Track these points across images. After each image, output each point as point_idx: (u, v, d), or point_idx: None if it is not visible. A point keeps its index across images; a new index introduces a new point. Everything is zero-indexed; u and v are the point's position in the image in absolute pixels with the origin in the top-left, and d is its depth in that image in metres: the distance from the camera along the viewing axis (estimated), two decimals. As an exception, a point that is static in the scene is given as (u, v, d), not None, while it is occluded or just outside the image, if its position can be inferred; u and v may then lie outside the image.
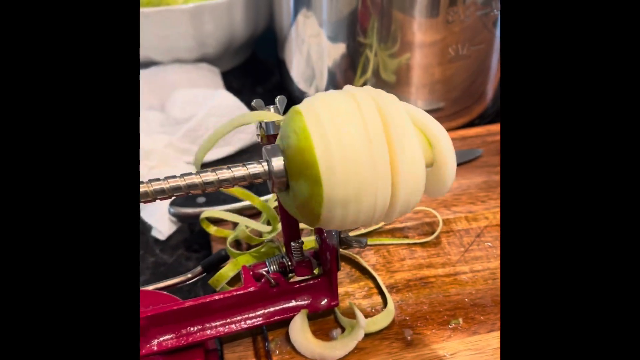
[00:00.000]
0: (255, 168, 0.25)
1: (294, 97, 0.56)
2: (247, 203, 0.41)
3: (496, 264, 0.37)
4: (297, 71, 0.54)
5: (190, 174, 0.25)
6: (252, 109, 0.29)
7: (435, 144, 0.26)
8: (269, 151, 0.25)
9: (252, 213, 0.41)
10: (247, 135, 0.51)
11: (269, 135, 0.28)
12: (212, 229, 0.39)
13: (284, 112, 0.28)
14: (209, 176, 0.25)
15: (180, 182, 0.24)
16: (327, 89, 0.52)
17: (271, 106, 0.29)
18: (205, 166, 0.49)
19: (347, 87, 0.26)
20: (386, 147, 0.23)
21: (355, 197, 0.23)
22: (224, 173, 0.25)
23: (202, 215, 0.38)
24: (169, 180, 0.24)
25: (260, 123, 0.28)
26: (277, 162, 0.24)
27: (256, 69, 0.65)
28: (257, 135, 0.29)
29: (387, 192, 0.24)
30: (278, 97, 0.29)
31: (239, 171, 0.25)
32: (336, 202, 0.23)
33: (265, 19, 0.61)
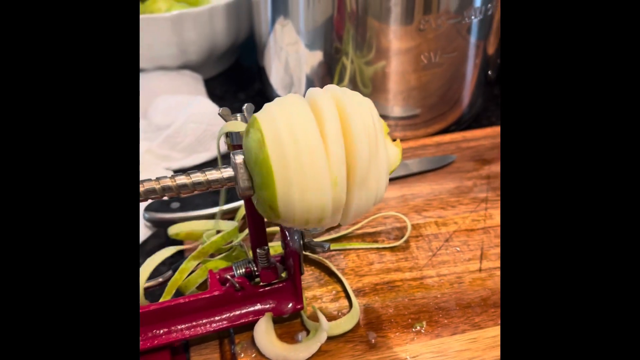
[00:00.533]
0: (227, 172, 0.26)
1: (274, 104, 0.56)
2: (219, 208, 0.42)
3: (462, 268, 0.38)
4: (276, 78, 0.55)
5: (165, 177, 0.26)
6: (221, 116, 0.30)
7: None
8: (234, 154, 0.26)
9: (226, 218, 0.42)
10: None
11: (234, 145, 0.29)
12: (182, 234, 0.39)
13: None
14: (183, 179, 0.26)
15: (155, 185, 0.25)
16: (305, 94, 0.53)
17: (238, 114, 0.30)
18: (185, 171, 0.50)
19: (311, 90, 0.26)
20: (341, 148, 0.24)
21: (303, 197, 0.24)
22: (198, 177, 0.26)
23: (170, 232, 0.40)
24: (143, 184, 0.25)
25: (229, 134, 0.29)
26: (240, 163, 0.25)
27: (239, 76, 0.66)
28: (225, 143, 0.30)
29: (340, 194, 0.24)
30: (246, 105, 0.30)
31: (212, 175, 0.26)
32: (289, 200, 0.24)
33: (247, 27, 0.62)
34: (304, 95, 0.26)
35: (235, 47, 0.64)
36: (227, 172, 0.26)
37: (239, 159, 0.25)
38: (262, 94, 0.60)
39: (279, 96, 0.55)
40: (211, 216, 0.41)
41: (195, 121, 0.50)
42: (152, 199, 0.26)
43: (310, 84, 0.52)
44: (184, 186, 0.26)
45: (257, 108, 0.29)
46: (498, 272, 0.37)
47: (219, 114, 0.29)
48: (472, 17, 0.46)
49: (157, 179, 0.25)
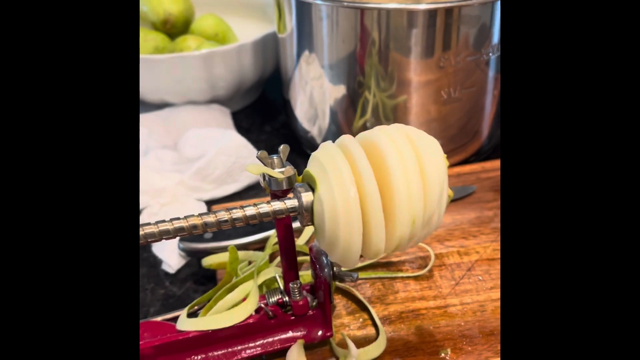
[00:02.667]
0: (291, 203, 0.29)
1: (299, 136, 0.59)
2: (251, 238, 0.44)
3: (485, 296, 0.39)
4: (301, 111, 0.58)
5: (235, 208, 0.29)
6: (258, 158, 0.32)
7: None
8: (300, 191, 0.29)
9: (257, 247, 0.44)
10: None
11: (272, 190, 0.31)
12: (215, 265, 0.41)
13: (287, 159, 0.31)
14: (252, 210, 0.29)
15: (226, 216, 0.28)
16: (329, 128, 0.55)
17: (275, 156, 0.31)
18: (215, 202, 0.52)
19: (378, 135, 0.29)
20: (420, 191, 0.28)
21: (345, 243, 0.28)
22: (264, 207, 0.29)
23: (204, 263, 0.42)
24: (216, 214, 0.28)
25: (264, 175, 0.31)
26: (308, 203, 0.29)
27: (264, 109, 0.68)
28: (261, 184, 0.32)
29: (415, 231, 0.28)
30: (282, 146, 0.32)
31: (277, 205, 0.29)
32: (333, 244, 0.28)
33: (273, 62, 0.65)
34: (354, 136, 0.30)
35: (261, 82, 0.66)
36: (291, 203, 0.29)
37: (306, 197, 0.29)
38: (287, 126, 0.63)
39: (303, 128, 0.58)
40: (243, 246, 0.43)
41: (225, 154, 0.53)
42: (223, 228, 0.29)
43: (334, 116, 0.54)
44: (251, 217, 0.29)
45: (283, 139, 0.32)
46: (520, 301, 0.39)
47: (257, 157, 0.31)
48: (490, 54, 0.48)
49: (228, 210, 0.29)
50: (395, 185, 0.27)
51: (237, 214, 0.29)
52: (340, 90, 0.53)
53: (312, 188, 0.29)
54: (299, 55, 0.54)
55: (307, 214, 0.29)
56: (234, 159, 0.53)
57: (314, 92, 0.55)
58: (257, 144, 0.60)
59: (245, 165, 0.53)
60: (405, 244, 0.29)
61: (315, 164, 0.29)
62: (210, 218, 0.28)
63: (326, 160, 0.28)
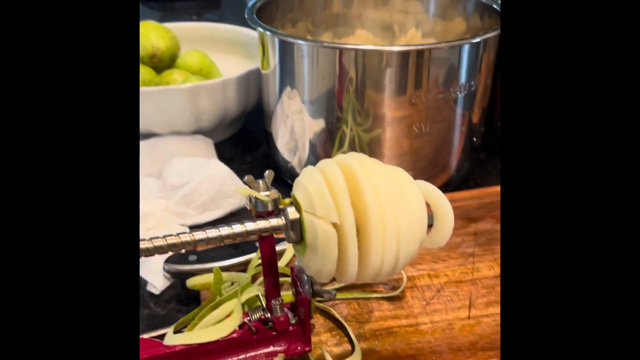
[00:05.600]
0: (275, 221, 0.32)
1: (280, 166, 0.62)
2: (234, 261, 0.46)
3: (453, 315, 0.42)
4: (282, 142, 0.61)
5: (223, 225, 0.32)
6: (244, 182, 0.34)
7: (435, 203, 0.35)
8: (286, 211, 0.32)
9: (239, 270, 0.46)
10: (236, 200, 0.57)
11: (257, 212, 0.34)
12: (199, 285, 0.43)
13: (272, 183, 0.34)
14: (239, 228, 0.32)
15: (215, 234, 0.31)
16: (308, 158, 0.58)
17: (260, 180, 0.34)
18: (199, 227, 0.54)
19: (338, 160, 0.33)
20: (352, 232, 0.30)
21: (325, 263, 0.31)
22: (251, 225, 0.32)
23: (188, 284, 0.43)
24: (206, 231, 0.31)
25: (250, 198, 0.33)
26: (294, 220, 0.32)
27: (246, 140, 0.71)
28: (247, 206, 0.34)
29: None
30: (267, 172, 0.35)
31: (261, 223, 0.32)
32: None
33: (255, 96, 0.68)
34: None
35: (243, 114, 0.70)
36: (275, 222, 0.32)
37: (292, 215, 0.31)
38: (268, 157, 0.66)
39: (284, 159, 0.61)
40: (225, 268, 0.46)
41: (209, 182, 0.55)
42: (212, 244, 0.32)
43: (313, 148, 0.58)
44: (239, 234, 0.32)
45: (264, 169, 0.35)
46: (485, 319, 0.41)
47: (243, 181, 0.34)
48: (458, 93, 0.53)
49: (217, 227, 0.31)
50: (372, 225, 0.30)
51: (225, 231, 0.32)
52: (320, 124, 0.56)
53: (298, 210, 0.32)
54: (281, 90, 0.57)
55: (294, 232, 0.32)
56: (218, 186, 0.55)
57: (294, 125, 0.58)
58: (240, 173, 0.63)
59: (228, 192, 0.56)
60: (381, 276, 0.32)
61: (302, 191, 0.32)
62: (200, 235, 0.31)
63: (313, 191, 0.31)
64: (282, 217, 0.32)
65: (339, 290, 0.44)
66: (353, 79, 0.52)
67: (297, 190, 0.32)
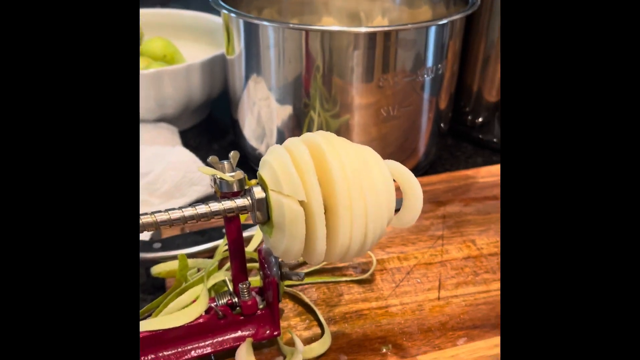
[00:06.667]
0: (241, 201, 0.31)
1: (247, 153, 0.61)
2: (200, 248, 0.45)
3: (423, 297, 0.42)
4: (249, 130, 0.60)
5: (186, 207, 0.31)
6: (208, 164, 0.33)
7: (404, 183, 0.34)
8: (253, 190, 0.31)
9: (205, 257, 0.45)
10: (202, 187, 0.55)
11: (222, 193, 0.33)
12: (164, 273, 0.42)
13: (237, 166, 0.33)
14: (203, 209, 0.31)
15: (179, 214, 0.30)
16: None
17: (225, 161, 0.33)
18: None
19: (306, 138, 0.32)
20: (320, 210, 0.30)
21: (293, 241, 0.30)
22: (216, 206, 0.31)
23: (153, 272, 0.42)
24: (168, 212, 0.30)
25: (214, 179, 0.32)
26: (260, 199, 0.31)
27: (212, 128, 0.70)
28: (212, 187, 0.34)
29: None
30: (231, 152, 0.34)
31: (227, 204, 0.31)
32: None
33: (221, 83, 0.67)
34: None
35: (209, 101, 0.68)
36: (241, 202, 0.31)
37: (258, 194, 0.31)
38: (234, 145, 0.64)
39: (251, 146, 0.60)
40: (191, 255, 0.44)
41: (173, 169, 0.54)
42: (175, 225, 0.30)
43: (280, 135, 0.57)
44: (203, 215, 0.31)
45: None
46: (455, 300, 0.41)
47: (207, 161, 0.33)
48: (425, 76, 0.52)
49: (180, 208, 0.30)
50: (340, 203, 0.30)
51: (189, 212, 0.31)
52: (287, 110, 0.55)
53: (264, 189, 0.31)
54: (247, 76, 0.56)
55: (260, 212, 0.31)
56: (183, 173, 0.54)
57: (261, 112, 0.57)
58: (205, 162, 0.62)
59: (193, 179, 0.54)
60: (349, 255, 0.32)
61: (268, 169, 0.31)
62: (162, 217, 0.30)
63: (279, 169, 0.30)
64: (248, 197, 0.31)
65: (308, 274, 0.44)
66: (320, 63, 0.51)
67: (263, 169, 0.32)
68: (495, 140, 0.65)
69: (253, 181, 0.33)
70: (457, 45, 0.56)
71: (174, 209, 0.31)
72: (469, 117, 0.67)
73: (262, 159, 0.32)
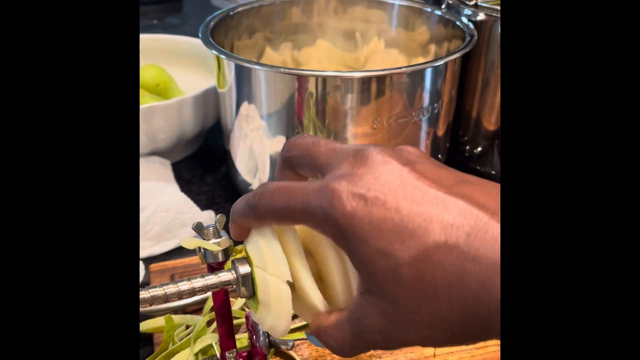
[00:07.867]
0: (225, 276, 0.30)
1: (240, 189, 0.59)
2: (189, 300, 0.44)
3: (418, 354, 0.40)
4: (241, 162, 0.58)
5: (168, 284, 0.29)
6: (194, 229, 0.32)
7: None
8: (238, 265, 0.30)
9: (194, 309, 0.44)
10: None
11: (208, 262, 0.32)
12: (151, 329, 0.41)
13: (224, 227, 0.32)
14: (185, 285, 0.29)
15: (160, 292, 0.29)
16: (269, 179, 0.56)
17: (210, 226, 0.32)
18: (154, 259, 0.52)
19: None
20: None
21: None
22: (198, 281, 0.29)
23: (141, 329, 0.41)
24: (149, 291, 0.29)
25: (199, 247, 0.31)
26: (245, 275, 0.29)
27: (206, 159, 0.69)
28: (198, 256, 0.32)
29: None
30: (218, 215, 0.32)
31: (210, 279, 0.30)
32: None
33: (214, 114, 0.66)
34: None
35: (202, 133, 0.67)
36: (225, 277, 0.30)
37: (243, 269, 0.29)
38: (228, 178, 0.63)
39: (244, 180, 0.59)
40: (181, 308, 0.43)
41: (164, 210, 0.53)
42: (157, 304, 0.29)
43: (274, 168, 0.56)
44: (186, 292, 0.29)
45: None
46: (451, 357, 0.40)
47: (192, 228, 0.32)
48: (421, 116, 0.51)
49: (161, 286, 0.29)
50: (336, 276, 0.28)
51: (171, 289, 0.29)
52: (279, 142, 0.54)
53: (250, 264, 0.30)
54: (237, 110, 0.55)
55: (245, 287, 0.30)
56: (174, 214, 0.53)
57: (253, 145, 0.56)
58: (199, 197, 0.60)
59: (185, 221, 0.53)
60: None
61: (254, 245, 0.30)
62: (143, 295, 0.29)
63: (264, 247, 0.29)
64: (233, 271, 0.30)
65: (299, 329, 0.43)
66: (312, 106, 0.50)
67: (249, 244, 0.30)
68: (493, 172, 0.64)
69: (240, 247, 0.32)
70: (454, 81, 0.54)
71: (155, 286, 0.29)
72: (467, 147, 0.66)
73: (250, 237, 0.31)
